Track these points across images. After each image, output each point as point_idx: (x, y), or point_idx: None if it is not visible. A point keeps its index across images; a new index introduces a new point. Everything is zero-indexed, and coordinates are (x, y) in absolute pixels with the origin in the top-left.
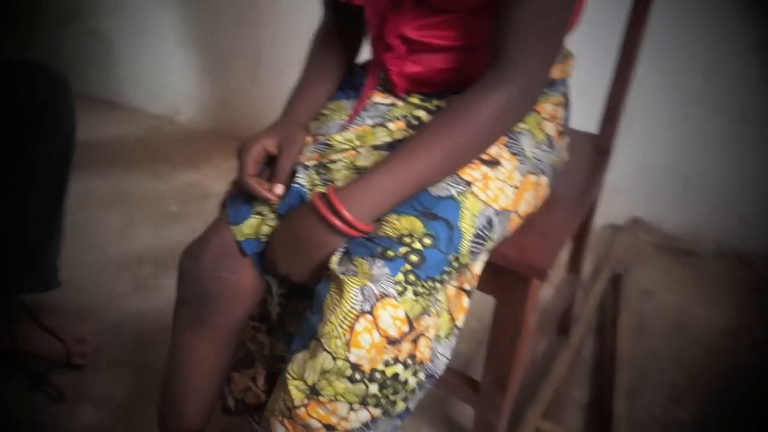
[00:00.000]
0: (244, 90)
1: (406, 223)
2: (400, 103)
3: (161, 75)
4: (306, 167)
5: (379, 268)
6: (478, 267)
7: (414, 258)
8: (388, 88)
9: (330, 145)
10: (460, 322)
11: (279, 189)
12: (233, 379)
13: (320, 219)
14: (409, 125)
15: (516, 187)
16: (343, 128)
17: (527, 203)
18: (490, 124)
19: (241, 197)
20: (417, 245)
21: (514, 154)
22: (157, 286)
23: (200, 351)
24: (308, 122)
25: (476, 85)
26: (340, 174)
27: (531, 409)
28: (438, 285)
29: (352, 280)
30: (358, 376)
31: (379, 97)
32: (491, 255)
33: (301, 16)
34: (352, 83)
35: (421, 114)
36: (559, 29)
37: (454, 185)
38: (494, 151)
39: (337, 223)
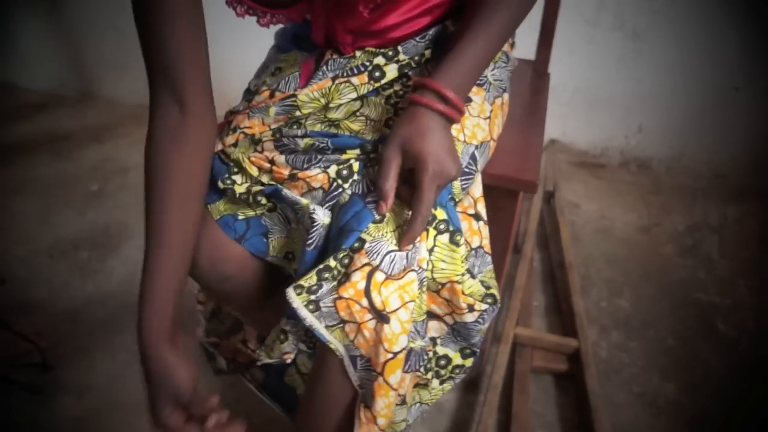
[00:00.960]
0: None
1: None
2: (358, 52)
3: (29, 46)
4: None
5: None
6: (477, 190)
7: None
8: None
9: (296, 106)
10: (475, 244)
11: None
12: (220, 345)
13: (439, 114)
14: (372, 77)
15: (488, 118)
16: (306, 81)
17: (499, 126)
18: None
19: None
20: None
21: (479, 85)
22: (102, 269)
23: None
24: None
25: None
26: (316, 128)
27: (507, 320)
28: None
29: None
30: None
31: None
32: (483, 177)
33: None
34: (297, 34)
35: (380, 61)
36: None
37: None
38: None
39: (455, 114)
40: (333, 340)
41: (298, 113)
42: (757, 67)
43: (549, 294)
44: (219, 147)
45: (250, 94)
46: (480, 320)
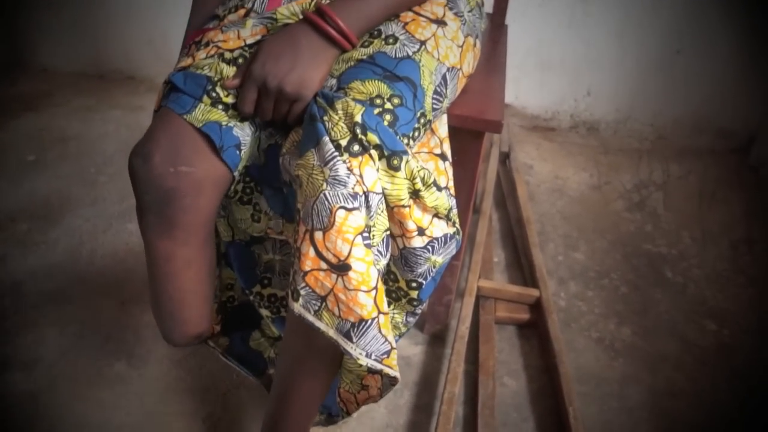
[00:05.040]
0: (73, 15)
1: (371, 87)
2: None
3: None
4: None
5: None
6: (443, 130)
7: (388, 117)
8: None
9: (275, 19)
10: (442, 184)
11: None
12: None
13: (315, 29)
14: None
15: (460, 47)
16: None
17: (468, 63)
18: None
19: (181, 90)
20: (388, 105)
21: (456, 15)
22: (44, 241)
23: (180, 256)
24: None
25: None
26: None
27: (470, 274)
28: (411, 142)
29: (350, 104)
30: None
31: None
32: (449, 118)
33: None
34: None
35: None
36: None
37: (410, 45)
38: (440, 11)
39: (332, 32)
40: (326, 328)
41: (277, 27)
42: (698, 30)
43: (509, 250)
44: (188, 61)
45: (218, 18)
46: (429, 248)
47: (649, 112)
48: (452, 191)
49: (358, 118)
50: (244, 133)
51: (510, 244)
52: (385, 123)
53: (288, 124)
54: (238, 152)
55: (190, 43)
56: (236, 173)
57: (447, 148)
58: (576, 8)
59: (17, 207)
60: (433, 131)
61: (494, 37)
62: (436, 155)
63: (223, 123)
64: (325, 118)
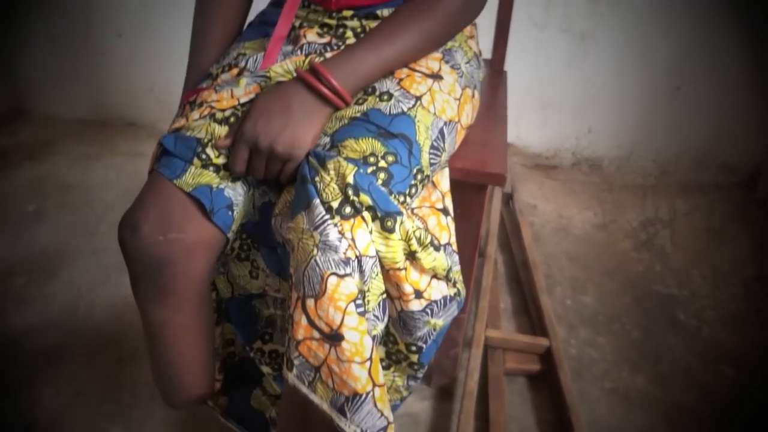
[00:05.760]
0: (75, 62)
1: (365, 145)
2: (334, 40)
3: None
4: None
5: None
6: (445, 184)
7: (382, 176)
8: (313, 7)
9: (269, 77)
10: (443, 240)
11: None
12: None
13: (308, 88)
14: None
15: (458, 100)
16: (276, 58)
17: (467, 115)
18: (457, 14)
19: (172, 153)
20: (382, 163)
21: (452, 67)
22: (42, 295)
23: (175, 323)
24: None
25: None
26: None
27: (476, 323)
28: (408, 200)
29: (342, 164)
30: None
31: (313, 36)
32: (451, 171)
33: None
34: (265, 21)
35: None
36: None
37: (405, 101)
38: (435, 65)
39: (325, 91)
40: (320, 401)
41: (270, 85)
42: (697, 67)
43: (515, 295)
44: (182, 122)
45: (211, 77)
46: (427, 311)
47: (651, 148)
48: (454, 247)
49: (350, 179)
50: (236, 192)
51: (516, 288)
52: (379, 182)
53: (281, 182)
54: (230, 213)
55: (185, 103)
56: (230, 234)
57: (449, 203)
58: (574, 47)
59: (15, 260)
60: (434, 185)
61: (494, 84)
62: (438, 210)
63: (214, 185)
64: (317, 178)
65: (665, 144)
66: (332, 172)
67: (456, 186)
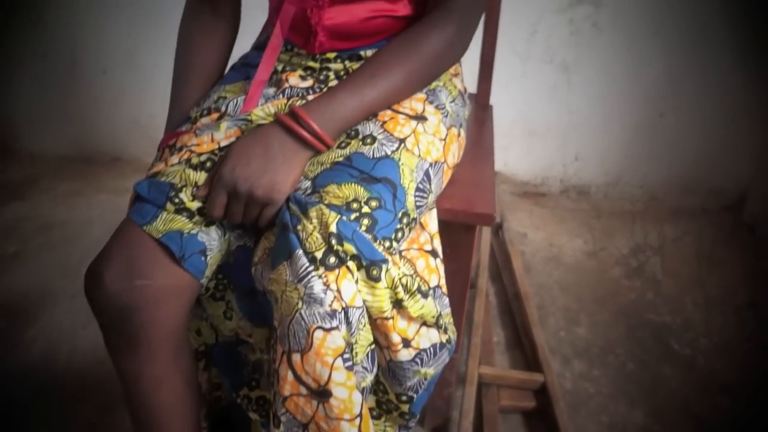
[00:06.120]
0: (60, 99)
1: (348, 191)
2: (317, 83)
3: None
4: None
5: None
6: (433, 225)
7: (366, 221)
8: (296, 50)
9: (250, 120)
10: (433, 283)
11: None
12: None
13: (287, 131)
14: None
15: (443, 140)
16: (257, 102)
17: (453, 155)
18: (441, 55)
19: (146, 199)
20: (365, 209)
21: (437, 108)
22: (21, 341)
23: (147, 375)
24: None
25: (424, 22)
26: None
27: (469, 360)
28: (394, 244)
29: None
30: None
31: (295, 79)
32: (439, 212)
33: (119, 4)
34: (248, 64)
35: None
36: None
37: (388, 144)
38: (419, 106)
39: (305, 134)
40: None
41: (251, 128)
42: (679, 93)
43: (508, 328)
44: (160, 167)
45: (190, 120)
46: (417, 360)
47: (638, 174)
48: (444, 290)
49: (333, 228)
50: (210, 237)
51: (509, 320)
52: (363, 228)
53: (259, 227)
54: (203, 258)
55: (164, 147)
56: (204, 279)
57: (437, 244)
58: (558, 77)
59: None
60: (422, 226)
61: (480, 119)
62: (427, 252)
63: (186, 230)
64: (299, 227)
65: (652, 170)
66: (315, 221)
67: (444, 226)
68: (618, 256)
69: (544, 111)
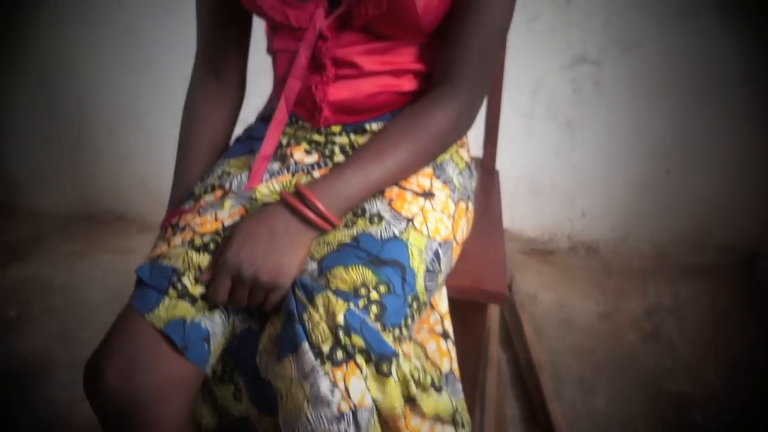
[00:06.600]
0: (66, 158)
1: (355, 275)
2: (321, 158)
3: None
4: None
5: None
6: (443, 305)
7: (374, 309)
8: (300, 123)
9: (254, 199)
10: (445, 368)
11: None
12: None
13: (292, 212)
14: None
15: (452, 217)
16: (261, 178)
17: (462, 230)
18: (446, 132)
19: (147, 283)
20: (374, 295)
21: (444, 183)
22: (14, 418)
23: None
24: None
25: (429, 98)
26: None
27: None
28: (404, 331)
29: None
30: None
31: (300, 154)
32: (448, 290)
33: (127, 66)
34: (252, 136)
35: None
36: (497, 56)
37: (396, 223)
38: (426, 182)
39: (311, 215)
40: None
41: (256, 206)
42: (685, 150)
43: (521, 399)
44: (163, 248)
45: (194, 197)
46: None
47: (646, 231)
48: (457, 374)
49: (340, 319)
50: (213, 323)
51: (522, 389)
52: (372, 316)
53: (264, 311)
54: (206, 345)
55: (167, 226)
56: (207, 367)
57: (448, 325)
58: (562, 135)
59: None
60: (432, 307)
61: (486, 186)
62: (438, 334)
63: (189, 317)
64: (305, 316)
65: (660, 226)
66: (321, 309)
67: (454, 304)
68: (632, 318)
69: (548, 168)
